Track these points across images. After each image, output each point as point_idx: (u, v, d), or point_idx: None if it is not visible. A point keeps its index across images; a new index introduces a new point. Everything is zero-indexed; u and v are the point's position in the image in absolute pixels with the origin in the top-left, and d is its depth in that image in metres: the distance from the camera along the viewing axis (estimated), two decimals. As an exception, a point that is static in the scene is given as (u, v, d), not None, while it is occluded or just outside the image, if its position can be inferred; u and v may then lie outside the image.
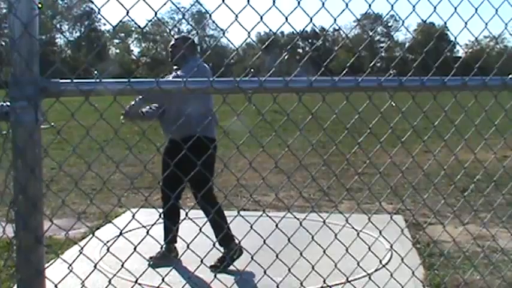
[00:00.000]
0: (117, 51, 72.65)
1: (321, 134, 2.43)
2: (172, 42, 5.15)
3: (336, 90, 2.10)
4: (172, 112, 4.85)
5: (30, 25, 1.66)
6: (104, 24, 74.39)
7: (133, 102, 4.82)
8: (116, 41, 73.49)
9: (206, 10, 2.28)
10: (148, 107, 5.05)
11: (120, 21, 2.05)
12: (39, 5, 1.68)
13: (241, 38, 3.76)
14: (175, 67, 4.95)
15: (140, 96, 4.70)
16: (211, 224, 4.57)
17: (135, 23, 2.32)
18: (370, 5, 2.37)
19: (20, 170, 1.69)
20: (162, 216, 4.77)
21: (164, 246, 4.88)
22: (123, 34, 71.16)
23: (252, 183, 8.03)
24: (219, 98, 2.04)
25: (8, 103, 1.66)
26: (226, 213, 4.90)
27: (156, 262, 4.71)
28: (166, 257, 4.85)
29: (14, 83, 1.65)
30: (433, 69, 2.37)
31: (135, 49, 77.47)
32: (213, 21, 2.44)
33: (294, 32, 2.32)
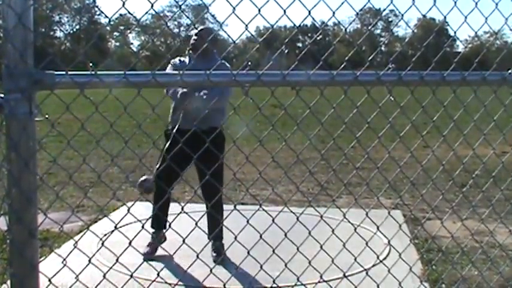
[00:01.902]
0: (117, 44, 72.61)
1: (318, 128, 2.41)
2: (197, 31, 5.03)
3: (334, 84, 2.07)
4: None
5: (24, 16, 1.63)
6: (104, 18, 74.37)
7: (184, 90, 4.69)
8: (116, 33, 73.44)
9: (204, 3, 2.26)
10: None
11: (116, 12, 2.03)
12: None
13: (241, 33, 3.73)
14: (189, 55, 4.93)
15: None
16: (213, 218, 4.59)
17: (133, 15, 2.30)
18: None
19: (13, 163, 1.67)
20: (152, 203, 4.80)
21: (153, 234, 4.91)
22: (122, 27, 71.09)
23: (251, 177, 8.02)
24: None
25: (2, 95, 1.64)
26: (224, 207, 4.90)
27: (147, 255, 4.72)
28: (155, 245, 4.88)
29: (8, 75, 1.63)
30: (432, 64, 2.35)
31: (135, 42, 77.43)
32: (212, 15, 2.42)
33: (294, 26, 2.29)
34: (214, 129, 4.14)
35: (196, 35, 4.97)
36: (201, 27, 5.19)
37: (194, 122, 4.05)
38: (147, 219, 2.98)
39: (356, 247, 2.86)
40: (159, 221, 4.94)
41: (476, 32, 2.68)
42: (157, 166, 4.78)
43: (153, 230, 5.00)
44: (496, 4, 2.63)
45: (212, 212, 4.49)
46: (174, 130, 4.55)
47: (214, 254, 4.74)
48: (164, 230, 5.00)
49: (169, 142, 4.68)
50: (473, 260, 4.39)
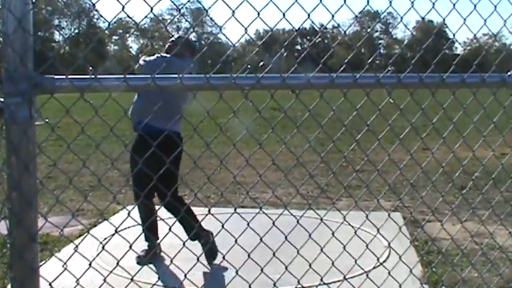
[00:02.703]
0: (116, 47, 72.63)
1: (318, 131, 2.42)
2: (173, 38, 5.28)
3: (333, 86, 2.08)
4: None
5: (24, 20, 1.64)
6: (104, 22, 74.52)
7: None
8: (115, 37, 73.48)
9: (203, 7, 2.26)
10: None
11: (115, 17, 2.03)
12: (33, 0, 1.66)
13: (241, 36, 3.75)
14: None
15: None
16: (180, 221, 4.48)
17: (132, 19, 2.31)
18: (368, 1, 2.35)
19: (14, 167, 1.67)
20: (139, 214, 4.76)
21: (147, 244, 4.91)
22: (121, 31, 71.11)
23: (251, 180, 8.01)
24: (215, 94, 2.02)
25: (2, 99, 1.64)
26: (223, 210, 4.89)
27: (141, 260, 4.68)
28: (150, 254, 4.84)
29: (8, 79, 1.64)
30: (431, 66, 2.36)
31: (134, 46, 77.43)
32: (211, 18, 2.43)
33: (293, 28, 2.30)
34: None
35: (172, 41, 5.21)
36: (177, 35, 5.46)
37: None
38: (147, 223, 3.00)
39: (356, 250, 2.86)
40: (151, 233, 4.88)
41: (475, 34, 2.69)
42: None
43: (147, 243, 4.97)
44: (495, 6, 2.64)
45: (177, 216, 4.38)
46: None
47: (206, 255, 4.69)
48: (158, 240, 4.95)
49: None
50: (473, 262, 4.39)
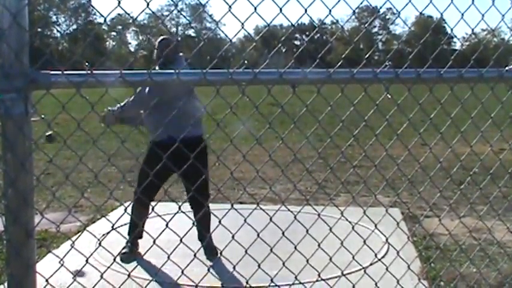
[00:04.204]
0: (114, 43, 72.51)
1: (315, 126, 2.41)
2: (161, 41, 4.98)
3: (331, 82, 2.07)
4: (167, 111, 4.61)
5: (20, 16, 1.63)
6: (100, 17, 74.30)
7: (118, 106, 4.70)
8: (114, 33, 73.35)
9: (200, 2, 2.25)
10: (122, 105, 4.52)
11: (111, 12, 2.03)
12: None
13: (239, 32, 3.74)
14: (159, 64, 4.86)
15: (129, 100, 4.61)
16: (202, 221, 4.58)
17: (128, 14, 2.30)
18: (366, -4, 2.34)
19: (9, 164, 1.66)
20: (129, 212, 4.76)
21: (129, 241, 4.89)
22: (120, 27, 70.99)
23: (249, 176, 8.01)
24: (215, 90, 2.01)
25: (-3, 95, 1.63)
26: (221, 206, 4.89)
27: (126, 258, 4.66)
28: (133, 252, 4.84)
29: (3, 75, 1.63)
30: (429, 62, 2.35)
31: (133, 42, 77.38)
32: (209, 14, 2.41)
33: (291, 24, 2.29)
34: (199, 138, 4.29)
35: (156, 47, 4.97)
36: (160, 38, 5.08)
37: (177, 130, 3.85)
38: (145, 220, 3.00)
39: (354, 245, 2.85)
40: (138, 230, 4.83)
41: (473, 30, 2.68)
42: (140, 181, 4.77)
43: (127, 239, 4.91)
44: (493, 1, 2.63)
45: (199, 218, 4.50)
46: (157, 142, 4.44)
47: (206, 252, 4.74)
48: (139, 240, 4.96)
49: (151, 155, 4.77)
50: (472, 257, 4.39)
